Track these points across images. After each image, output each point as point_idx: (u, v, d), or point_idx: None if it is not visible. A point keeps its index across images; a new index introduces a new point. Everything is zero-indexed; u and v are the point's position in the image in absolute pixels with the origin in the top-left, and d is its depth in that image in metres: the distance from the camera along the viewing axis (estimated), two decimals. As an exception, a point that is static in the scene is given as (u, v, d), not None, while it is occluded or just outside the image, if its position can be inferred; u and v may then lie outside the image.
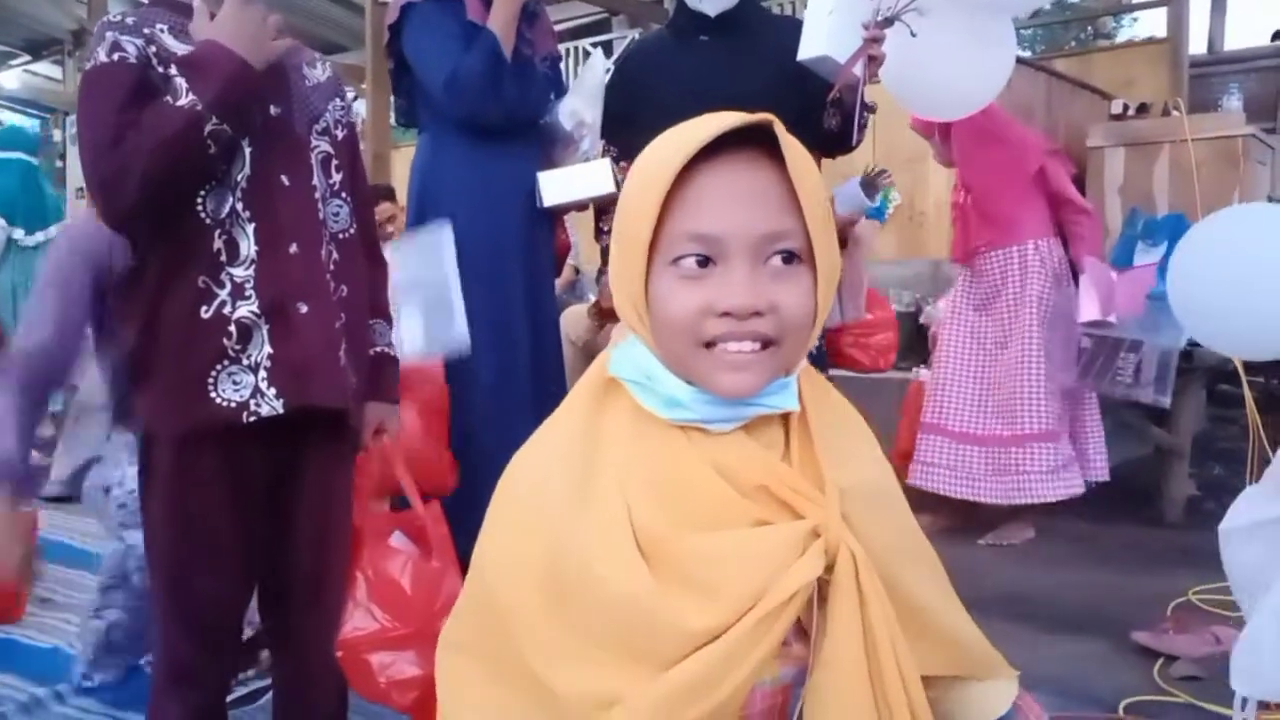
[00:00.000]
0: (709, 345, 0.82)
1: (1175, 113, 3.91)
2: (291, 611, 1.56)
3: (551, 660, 0.81)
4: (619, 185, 2.40)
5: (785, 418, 0.89)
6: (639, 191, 0.83)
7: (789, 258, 0.82)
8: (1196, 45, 6.13)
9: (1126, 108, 4.35)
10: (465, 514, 1.59)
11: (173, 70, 1.39)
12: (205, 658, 1.50)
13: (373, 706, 1.61)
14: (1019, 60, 4.23)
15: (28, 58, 11.94)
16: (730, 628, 0.79)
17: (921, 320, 4.47)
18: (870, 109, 2.30)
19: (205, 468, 1.43)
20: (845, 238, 2.80)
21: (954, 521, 3.40)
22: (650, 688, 0.78)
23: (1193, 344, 3.06)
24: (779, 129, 0.80)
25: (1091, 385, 3.25)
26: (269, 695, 1.68)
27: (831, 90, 2.14)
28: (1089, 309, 3.17)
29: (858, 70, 2.11)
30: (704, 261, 0.81)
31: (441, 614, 1.39)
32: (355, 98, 9.56)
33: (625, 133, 2.41)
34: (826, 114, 2.21)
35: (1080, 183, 3.63)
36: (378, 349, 1.66)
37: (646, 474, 0.84)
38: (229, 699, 1.74)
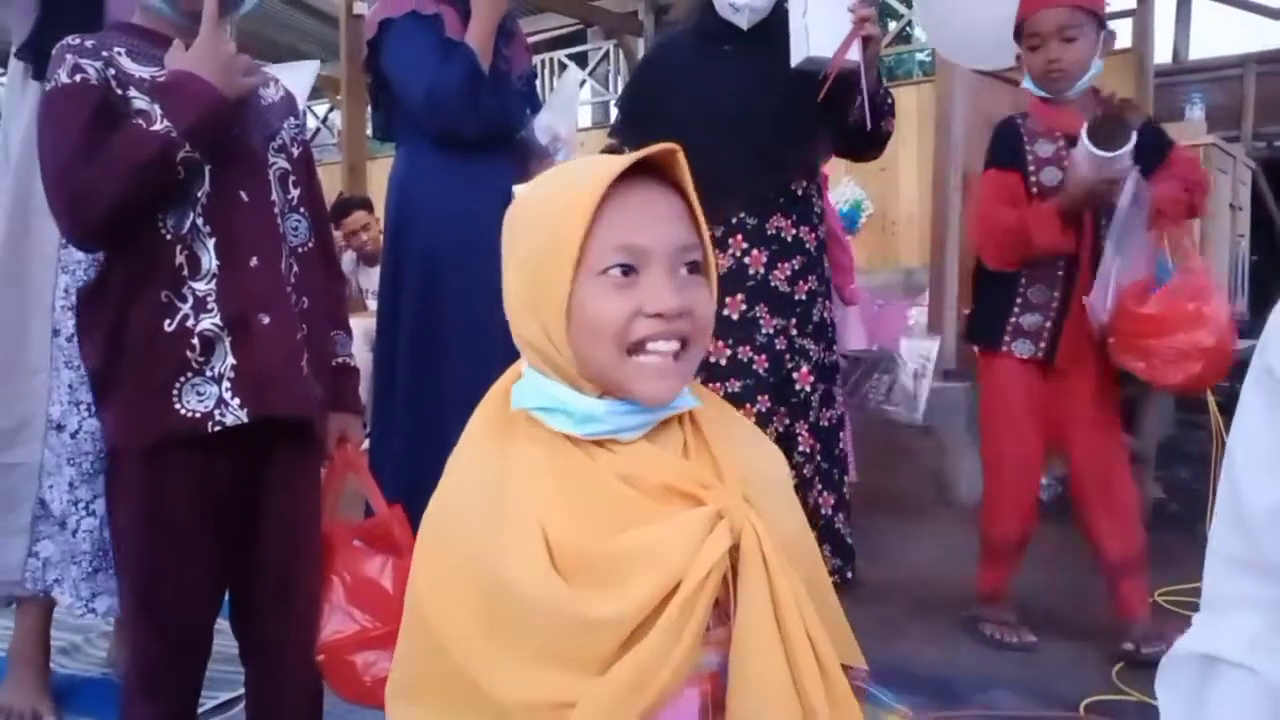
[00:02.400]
0: (632, 352, 0.90)
1: (1139, 122, 3.97)
2: (262, 620, 1.59)
3: (497, 678, 0.87)
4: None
5: (680, 421, 0.98)
6: (560, 213, 0.90)
7: (694, 267, 0.93)
8: (1162, 55, 6.23)
9: (1092, 117, 4.41)
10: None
11: (132, 93, 1.43)
12: (175, 665, 1.53)
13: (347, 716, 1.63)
14: (985, 72, 4.31)
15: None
16: (648, 618, 0.85)
17: None
18: (889, 94, 2.29)
19: (171, 479, 1.46)
20: (1102, 199, 2.24)
21: None
22: (596, 689, 0.84)
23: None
24: (680, 158, 0.92)
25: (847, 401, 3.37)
26: (242, 704, 1.70)
27: (824, 86, 2.10)
28: (856, 339, 3.33)
29: (854, 55, 2.07)
30: (629, 271, 0.90)
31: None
32: (331, 109, 9.56)
33: (641, 138, 2.43)
34: (850, 112, 2.18)
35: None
36: (339, 359, 1.70)
37: (556, 495, 0.90)
38: (203, 709, 1.76)
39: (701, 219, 0.94)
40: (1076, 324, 2.31)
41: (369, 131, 6.24)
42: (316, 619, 1.57)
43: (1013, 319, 2.41)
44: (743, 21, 2.30)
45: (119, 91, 1.43)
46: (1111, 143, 2.15)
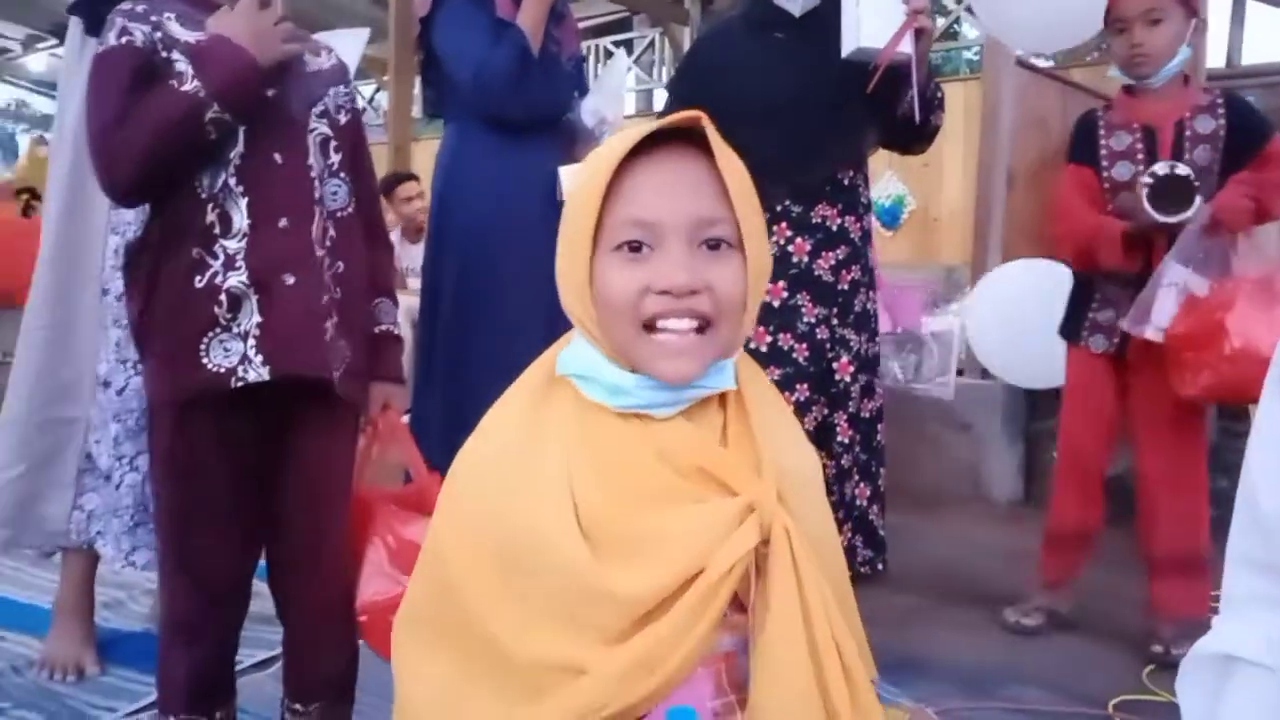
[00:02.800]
0: (649, 328, 0.89)
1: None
2: (293, 580, 1.63)
3: (516, 632, 0.88)
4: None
5: (723, 401, 0.96)
6: (582, 188, 0.90)
7: (720, 243, 0.90)
8: (1215, 59, 6.14)
9: (1142, 119, 4.36)
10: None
11: (176, 55, 1.47)
12: (206, 611, 1.57)
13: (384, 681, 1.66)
14: (1035, 70, 4.27)
15: (54, 41, 12.05)
16: (668, 598, 0.85)
17: None
18: (939, 88, 2.28)
19: (200, 431, 1.51)
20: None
21: None
22: (606, 662, 0.84)
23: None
24: (708, 127, 0.88)
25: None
26: (280, 664, 1.74)
27: (874, 77, 2.09)
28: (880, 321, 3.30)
29: (906, 48, 2.06)
30: (642, 246, 0.89)
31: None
32: (377, 89, 9.63)
33: None
34: (899, 104, 2.16)
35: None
36: (382, 327, 1.72)
37: (589, 459, 0.90)
38: (241, 666, 1.81)
39: (735, 191, 0.89)
40: None
41: (415, 113, 6.29)
42: (346, 580, 1.61)
43: (1090, 314, 2.47)
44: (795, 9, 2.29)
45: (164, 55, 1.48)
46: (1174, 208, 2.18)
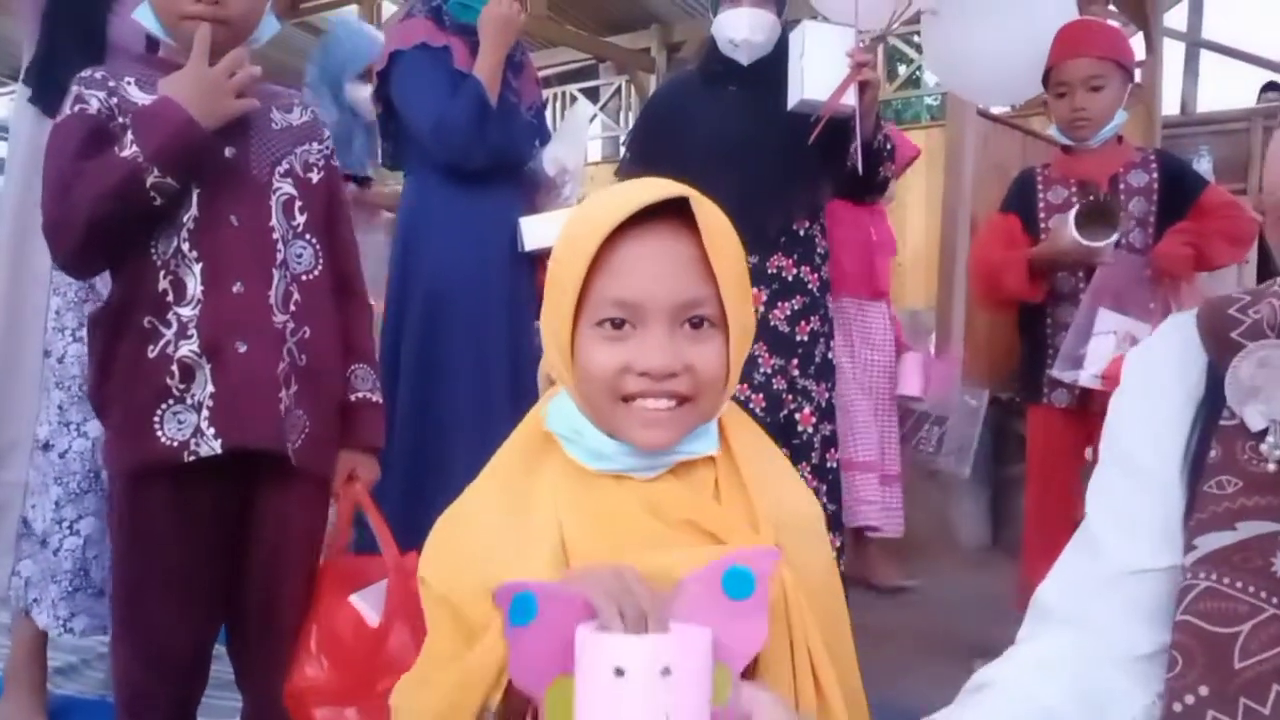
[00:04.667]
0: (627, 400, 0.88)
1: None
2: (249, 650, 1.59)
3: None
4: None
5: (712, 459, 0.95)
6: (568, 255, 0.89)
7: (702, 322, 0.89)
8: (1170, 106, 6.26)
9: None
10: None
11: (126, 120, 1.43)
12: (158, 684, 1.53)
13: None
14: (994, 118, 4.33)
15: (12, 88, 11.93)
16: None
17: None
18: (888, 140, 2.30)
19: (157, 501, 1.47)
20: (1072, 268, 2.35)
21: None
22: None
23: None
24: (695, 202, 0.87)
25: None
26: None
27: (816, 128, 2.10)
28: (911, 384, 3.28)
29: (850, 100, 2.07)
30: (625, 324, 0.88)
31: (382, 671, 1.42)
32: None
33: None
34: (849, 157, 2.18)
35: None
36: (358, 394, 1.66)
37: (580, 515, 0.89)
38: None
39: (721, 270, 0.88)
40: None
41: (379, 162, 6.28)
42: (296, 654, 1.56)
43: (1048, 370, 2.43)
44: (742, 58, 2.32)
45: (120, 120, 1.44)
46: (1097, 233, 2.23)
